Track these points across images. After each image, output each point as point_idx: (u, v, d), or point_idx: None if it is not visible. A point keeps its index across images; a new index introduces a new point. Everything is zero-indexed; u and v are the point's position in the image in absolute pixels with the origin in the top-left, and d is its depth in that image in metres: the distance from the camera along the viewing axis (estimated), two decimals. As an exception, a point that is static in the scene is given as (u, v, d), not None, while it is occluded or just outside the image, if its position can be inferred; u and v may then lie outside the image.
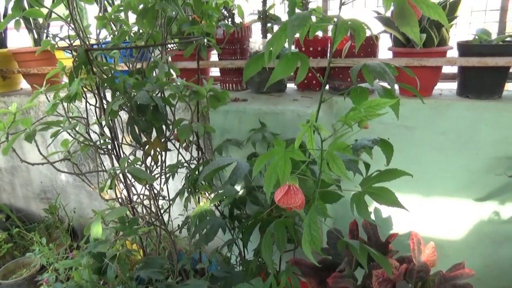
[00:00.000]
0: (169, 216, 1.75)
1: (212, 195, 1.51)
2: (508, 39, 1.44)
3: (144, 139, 1.33)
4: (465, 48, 1.43)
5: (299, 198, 0.72)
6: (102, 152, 1.34)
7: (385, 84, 0.88)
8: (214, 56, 1.94)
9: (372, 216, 1.66)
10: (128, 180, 1.39)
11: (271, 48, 0.77)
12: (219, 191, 1.17)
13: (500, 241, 1.56)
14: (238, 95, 1.74)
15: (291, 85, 1.89)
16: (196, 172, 1.32)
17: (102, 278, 1.02)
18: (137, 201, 1.54)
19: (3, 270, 1.99)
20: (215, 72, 2.10)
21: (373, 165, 1.02)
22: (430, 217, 1.63)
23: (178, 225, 2.00)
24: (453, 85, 1.60)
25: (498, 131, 1.42)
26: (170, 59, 1.85)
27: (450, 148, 1.49)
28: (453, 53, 1.49)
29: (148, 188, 1.58)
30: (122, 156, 1.49)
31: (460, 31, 1.68)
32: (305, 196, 0.93)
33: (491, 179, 1.48)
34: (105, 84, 1.24)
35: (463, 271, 1.12)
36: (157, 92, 1.36)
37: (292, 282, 1.10)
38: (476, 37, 1.47)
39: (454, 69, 1.74)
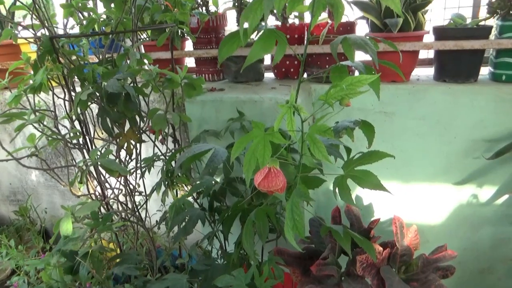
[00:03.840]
0: (146, 212, 1.69)
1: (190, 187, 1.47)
2: (482, 23, 1.45)
3: (117, 131, 1.27)
4: (441, 32, 1.43)
5: (280, 180, 0.69)
6: (72, 146, 1.28)
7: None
8: (189, 46, 1.88)
9: (354, 204, 1.64)
10: (101, 175, 1.33)
11: (246, 24, 0.73)
12: (197, 182, 1.13)
13: (479, 223, 1.58)
14: (214, 85, 1.69)
15: (269, 75, 1.86)
16: (173, 164, 1.27)
17: (74, 278, 0.97)
18: (111, 196, 1.48)
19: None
20: (190, 63, 2.05)
21: (354, 150, 1.00)
22: (410, 202, 1.63)
23: (156, 221, 1.95)
24: (430, 71, 1.60)
25: (475, 114, 1.43)
26: (143, 49, 1.79)
27: (429, 133, 1.49)
28: (429, 38, 1.49)
29: (123, 183, 1.53)
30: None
31: (436, 16, 1.68)
32: (286, 182, 0.90)
33: (469, 162, 1.49)
34: (73, 75, 1.17)
35: (446, 253, 1.12)
36: (129, 82, 1.31)
37: (275, 272, 1.07)
38: (451, 21, 1.47)
39: (430, 55, 1.75)
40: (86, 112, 1.36)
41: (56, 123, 1.35)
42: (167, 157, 1.56)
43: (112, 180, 1.59)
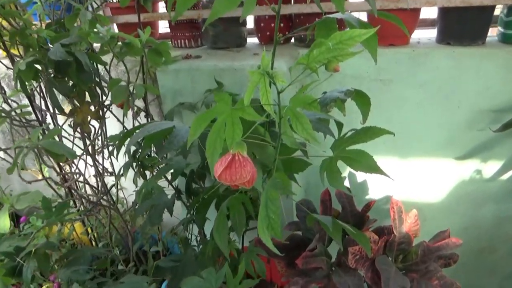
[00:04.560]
0: (118, 193, 1.55)
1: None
2: (493, -25, 1.26)
3: (75, 105, 1.09)
4: (447, -14, 1.25)
5: (247, 171, 0.53)
6: (21, 125, 1.10)
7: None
8: (162, 8, 1.68)
9: (347, 183, 1.51)
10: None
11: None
12: (165, 164, 0.97)
13: (482, 200, 1.45)
14: (191, 51, 1.51)
15: (252, 39, 1.67)
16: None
17: (17, 280, 0.82)
18: (78, 178, 1.33)
19: None
20: (165, 29, 1.84)
21: (346, 126, 0.84)
22: (408, 179, 1.49)
23: (132, 203, 1.81)
24: (432, 33, 1.43)
25: (481, 81, 1.26)
26: (107, 12, 1.58)
27: (430, 103, 1.33)
28: (432, -6, 1.30)
29: (92, 164, 1.37)
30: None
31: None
32: (266, 166, 0.75)
33: (473, 135, 1.35)
34: (16, 41, 0.99)
35: (449, 240, 0.99)
36: (87, 49, 1.12)
37: (256, 266, 0.93)
38: (458, -26, 1.28)
39: (432, 15, 1.56)
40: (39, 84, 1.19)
41: (5, 98, 1.18)
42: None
43: (82, 162, 1.43)
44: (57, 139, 1.12)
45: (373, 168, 0.71)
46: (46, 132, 0.99)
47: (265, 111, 0.64)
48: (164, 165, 1.00)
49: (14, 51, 1.06)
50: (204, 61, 1.38)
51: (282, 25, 1.49)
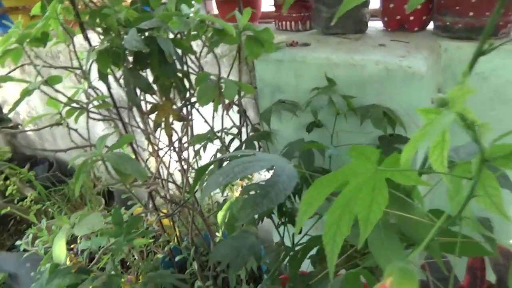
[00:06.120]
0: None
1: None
2: None
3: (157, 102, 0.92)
4: None
5: None
6: (101, 118, 0.97)
7: None
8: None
9: None
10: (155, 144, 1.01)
11: None
12: (253, 187, 0.74)
13: None
14: (298, 37, 1.24)
15: (374, 24, 1.33)
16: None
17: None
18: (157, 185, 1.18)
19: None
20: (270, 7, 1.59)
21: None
22: None
23: (218, 202, 1.65)
24: None
25: None
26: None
27: None
28: None
29: (176, 160, 1.21)
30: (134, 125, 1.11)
31: None
32: (407, 238, 0.48)
33: None
34: (94, 22, 0.82)
35: None
36: (176, 33, 0.93)
37: None
38: None
39: None
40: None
41: (89, 84, 1.05)
42: (228, 135, 1.20)
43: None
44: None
45: None
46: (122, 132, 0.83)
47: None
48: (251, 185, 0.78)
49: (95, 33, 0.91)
50: (313, 51, 1.10)
51: (419, 6, 1.14)
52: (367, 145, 0.33)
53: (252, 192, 0.85)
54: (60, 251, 0.65)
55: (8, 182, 1.93)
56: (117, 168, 0.63)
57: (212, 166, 0.93)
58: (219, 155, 1.00)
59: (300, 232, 1.01)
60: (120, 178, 0.71)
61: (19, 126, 2.64)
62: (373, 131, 1.04)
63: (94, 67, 1.08)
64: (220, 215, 0.90)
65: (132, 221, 0.81)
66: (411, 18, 1.16)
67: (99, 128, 1.96)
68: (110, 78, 0.91)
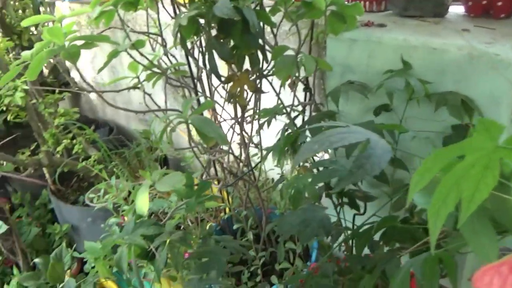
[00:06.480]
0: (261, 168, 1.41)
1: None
2: None
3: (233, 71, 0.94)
4: None
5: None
6: (178, 85, 1.00)
7: None
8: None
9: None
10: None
11: None
12: (324, 167, 0.75)
13: None
14: (372, 18, 1.21)
15: (455, 8, 1.27)
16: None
17: (150, 264, 0.73)
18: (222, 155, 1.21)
19: (93, 191, 1.93)
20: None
21: None
22: None
23: (273, 179, 1.67)
24: None
25: None
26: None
27: None
28: None
29: (238, 133, 1.24)
30: (207, 92, 1.14)
31: None
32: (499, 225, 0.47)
33: None
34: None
35: None
36: (255, 4, 0.93)
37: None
38: None
39: None
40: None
41: (165, 51, 1.09)
42: (293, 111, 1.20)
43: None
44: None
45: None
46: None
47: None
48: (323, 165, 0.78)
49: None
50: (390, 32, 1.07)
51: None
52: (491, 120, 0.32)
53: (321, 168, 0.85)
54: (143, 204, 0.69)
55: (74, 141, 2.06)
56: (201, 131, 0.66)
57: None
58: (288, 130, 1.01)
59: (364, 213, 1.01)
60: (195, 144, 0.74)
61: (83, 90, 2.78)
62: (446, 119, 1.01)
63: (169, 35, 1.11)
64: (284, 189, 0.91)
65: (202, 184, 0.84)
66: (499, 3, 1.10)
67: (158, 98, 2.03)
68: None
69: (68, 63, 2.91)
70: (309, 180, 0.86)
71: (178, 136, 2.30)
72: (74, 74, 2.89)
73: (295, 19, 0.80)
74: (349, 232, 0.83)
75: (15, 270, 1.72)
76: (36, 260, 1.68)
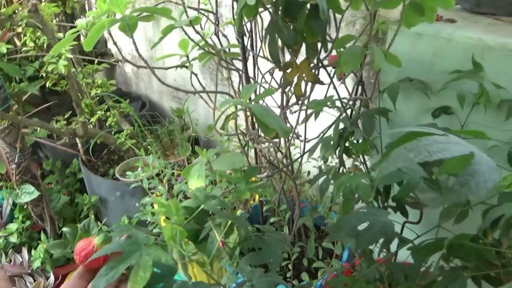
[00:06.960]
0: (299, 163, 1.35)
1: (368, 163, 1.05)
2: None
3: (287, 58, 0.89)
4: None
5: None
6: (227, 66, 0.95)
7: None
8: None
9: None
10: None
11: None
12: (383, 171, 0.69)
13: None
14: (440, 11, 1.12)
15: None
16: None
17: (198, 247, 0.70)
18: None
19: (123, 166, 1.92)
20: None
21: None
22: None
23: (309, 171, 1.61)
24: None
25: None
26: None
27: None
28: None
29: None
30: (255, 75, 1.08)
31: None
32: None
33: None
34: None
35: None
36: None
37: None
38: None
39: None
40: (255, 22, 1.01)
41: (216, 31, 1.04)
42: (345, 105, 1.14)
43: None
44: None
45: None
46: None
47: None
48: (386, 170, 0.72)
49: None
50: (462, 29, 0.99)
51: None
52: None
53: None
54: (198, 183, 0.65)
55: (108, 113, 2.04)
56: (262, 121, 0.61)
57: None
58: (341, 124, 0.94)
59: (419, 222, 0.95)
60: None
61: (119, 62, 2.77)
62: (513, 129, 0.93)
63: (225, 13, 1.04)
64: (334, 188, 0.86)
65: (250, 170, 0.80)
66: None
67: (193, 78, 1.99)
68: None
69: (106, 34, 2.89)
70: (363, 180, 0.80)
71: (208, 117, 2.26)
72: (110, 45, 2.88)
73: (372, 6, 0.73)
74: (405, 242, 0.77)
75: (42, 236, 1.73)
76: (64, 229, 1.69)
